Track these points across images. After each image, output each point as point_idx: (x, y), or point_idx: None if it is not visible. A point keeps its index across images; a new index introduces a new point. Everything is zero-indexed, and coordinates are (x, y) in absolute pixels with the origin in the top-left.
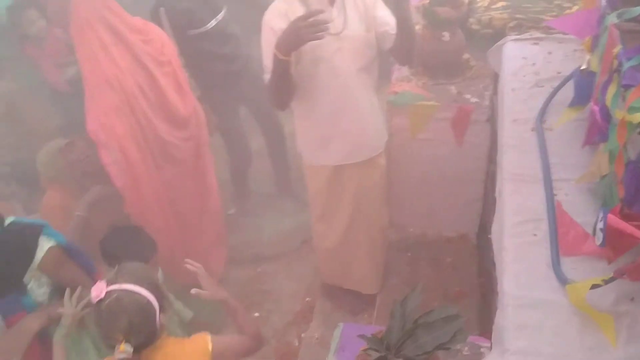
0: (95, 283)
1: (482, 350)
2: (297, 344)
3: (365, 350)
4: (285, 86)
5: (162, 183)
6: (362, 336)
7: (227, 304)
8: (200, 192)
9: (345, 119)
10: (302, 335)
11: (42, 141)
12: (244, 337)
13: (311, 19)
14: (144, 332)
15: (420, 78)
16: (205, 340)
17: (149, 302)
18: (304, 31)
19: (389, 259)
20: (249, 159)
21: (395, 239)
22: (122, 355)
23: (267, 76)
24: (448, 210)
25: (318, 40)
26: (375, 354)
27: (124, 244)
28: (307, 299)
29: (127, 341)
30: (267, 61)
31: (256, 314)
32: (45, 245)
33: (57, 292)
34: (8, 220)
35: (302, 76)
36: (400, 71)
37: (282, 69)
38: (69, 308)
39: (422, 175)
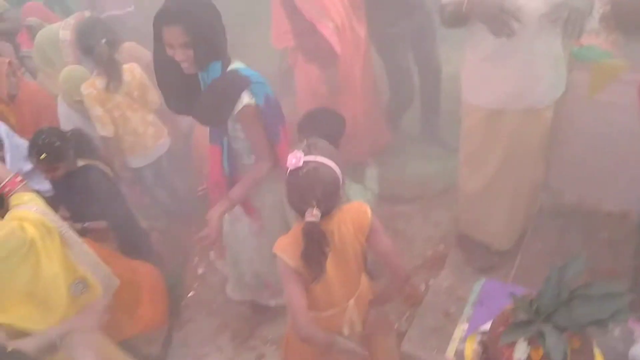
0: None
1: (635, 336)
2: (423, 288)
3: (512, 309)
4: (459, 24)
5: (360, 56)
6: (512, 295)
7: None
8: (366, 78)
9: (513, 62)
10: (430, 281)
11: None
12: None
13: (509, 17)
14: (331, 201)
15: (612, 33)
16: (363, 205)
17: (338, 176)
18: (497, 21)
19: (538, 223)
20: (410, 99)
21: (548, 203)
22: (313, 219)
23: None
24: (613, 182)
25: None
26: (523, 316)
27: (319, 122)
28: (440, 247)
29: (318, 207)
30: None
31: None
32: (244, 100)
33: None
34: (232, 65)
35: None
36: (589, 23)
37: (463, 18)
38: None
39: (592, 139)
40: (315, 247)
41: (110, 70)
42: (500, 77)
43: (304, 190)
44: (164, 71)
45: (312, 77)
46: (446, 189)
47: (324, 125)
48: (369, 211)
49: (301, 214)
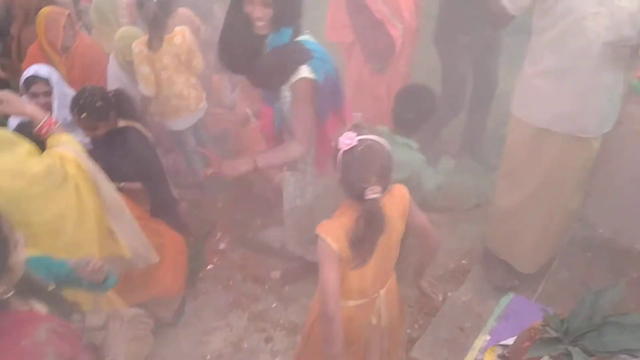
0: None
1: None
2: (441, 299)
3: (542, 325)
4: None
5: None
6: (544, 311)
7: None
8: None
9: (568, 83)
10: (449, 294)
11: None
12: None
13: None
14: (387, 179)
15: None
16: (402, 187)
17: (391, 154)
18: None
19: (567, 253)
20: (459, 109)
21: (580, 234)
22: (376, 195)
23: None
24: None
25: None
26: (552, 334)
27: (414, 98)
28: (463, 261)
29: (379, 184)
30: None
31: None
32: (301, 74)
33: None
34: (300, 37)
35: (547, 23)
36: None
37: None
38: None
39: (637, 176)
40: (374, 227)
41: (153, 29)
42: (552, 95)
43: (363, 167)
44: (233, 28)
45: (365, 74)
46: (478, 204)
47: (417, 101)
48: (407, 192)
49: (358, 195)
